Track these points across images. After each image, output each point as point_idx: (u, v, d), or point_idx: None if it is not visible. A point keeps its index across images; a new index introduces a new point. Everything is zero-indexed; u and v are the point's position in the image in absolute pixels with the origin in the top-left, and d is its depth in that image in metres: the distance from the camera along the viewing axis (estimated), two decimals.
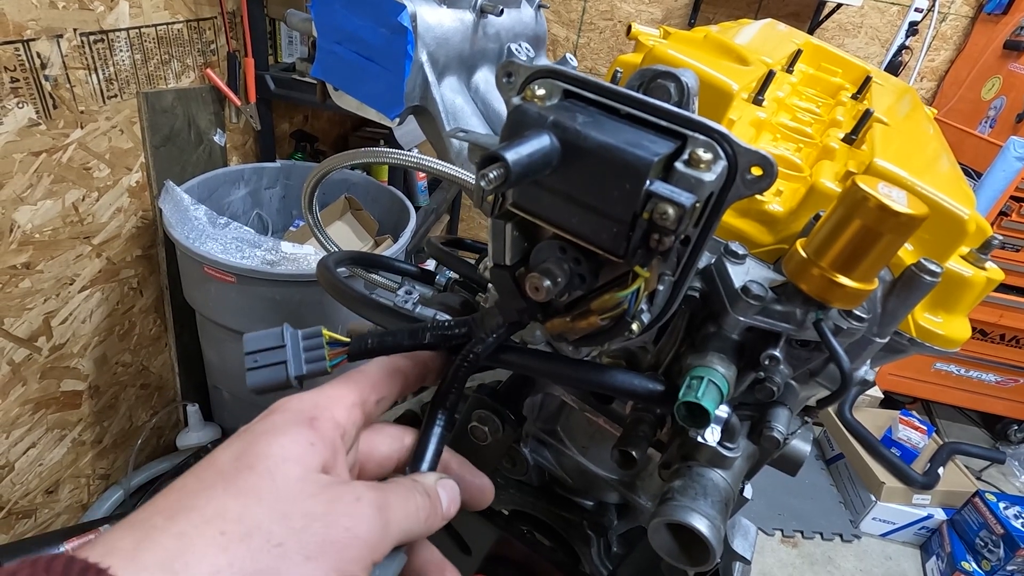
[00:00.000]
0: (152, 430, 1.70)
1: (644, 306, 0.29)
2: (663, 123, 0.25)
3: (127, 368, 1.57)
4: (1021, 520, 1.76)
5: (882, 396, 2.38)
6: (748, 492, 0.46)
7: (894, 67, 2.28)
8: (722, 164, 0.24)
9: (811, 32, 2.18)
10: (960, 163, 2.18)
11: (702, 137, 0.25)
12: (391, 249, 1.55)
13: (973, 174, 2.10)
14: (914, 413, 2.13)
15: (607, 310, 0.28)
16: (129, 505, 1.51)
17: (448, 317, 0.55)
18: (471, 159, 0.30)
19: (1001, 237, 1.99)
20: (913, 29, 2.25)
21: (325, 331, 0.36)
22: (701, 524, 0.32)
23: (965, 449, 2.08)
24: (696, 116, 0.25)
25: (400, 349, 0.35)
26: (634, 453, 0.38)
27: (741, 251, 0.35)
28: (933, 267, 0.31)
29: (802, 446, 0.41)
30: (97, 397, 1.48)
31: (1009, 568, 1.72)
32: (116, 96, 1.33)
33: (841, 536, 2.00)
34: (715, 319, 0.34)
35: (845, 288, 0.28)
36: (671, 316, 0.34)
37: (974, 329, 2.20)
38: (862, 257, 0.27)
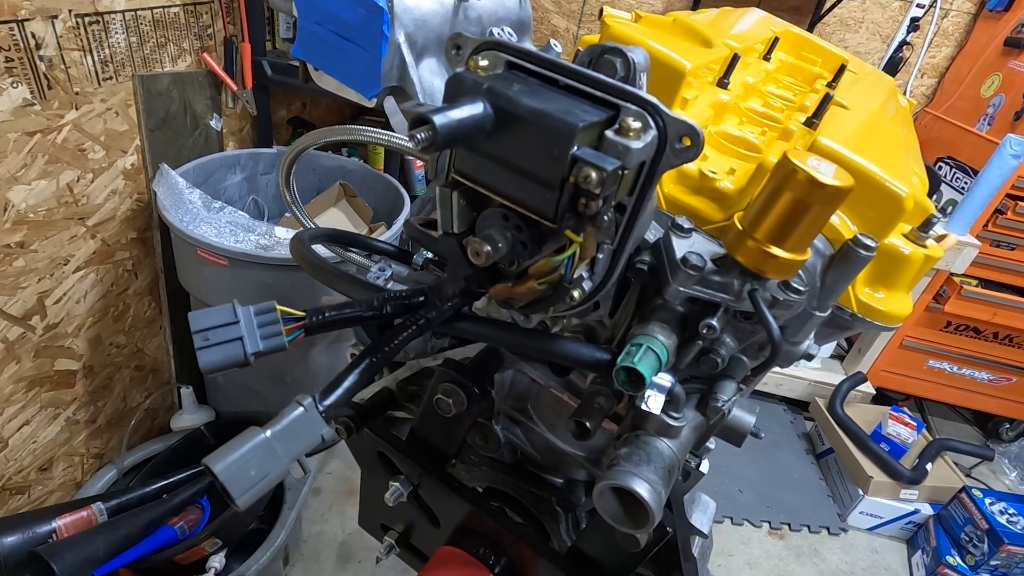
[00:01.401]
0: (146, 411, 1.72)
1: (585, 273, 0.30)
2: (596, 93, 0.26)
3: (121, 349, 1.59)
4: (1006, 516, 1.77)
5: (874, 392, 2.39)
6: (705, 467, 0.47)
7: (895, 63, 2.27)
8: (652, 133, 0.25)
9: (811, 27, 2.18)
10: (958, 160, 2.18)
11: (633, 107, 0.26)
12: (384, 236, 1.56)
13: (970, 171, 2.10)
14: (905, 410, 2.14)
15: (544, 274, 0.29)
16: (122, 484, 1.53)
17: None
18: (409, 130, 0.31)
19: (1000, 234, 1.99)
20: (914, 25, 2.24)
21: (279, 306, 0.37)
22: (641, 487, 0.33)
23: (954, 446, 2.09)
24: (627, 87, 0.26)
25: (359, 321, 0.36)
26: (588, 424, 0.40)
27: (687, 225, 0.36)
28: (869, 242, 0.32)
29: (746, 417, 0.42)
30: (91, 377, 1.50)
31: (993, 563, 1.74)
32: (111, 78, 1.34)
33: (828, 529, 2.02)
34: (661, 292, 0.35)
35: (778, 259, 0.29)
36: (624, 290, 0.35)
37: (967, 327, 2.20)
38: (793, 228, 0.28)
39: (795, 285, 0.32)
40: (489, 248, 0.28)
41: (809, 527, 2.01)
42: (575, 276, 0.29)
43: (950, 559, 1.80)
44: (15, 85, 1.12)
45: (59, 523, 1.27)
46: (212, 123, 1.73)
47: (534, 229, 0.28)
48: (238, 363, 0.34)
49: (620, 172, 0.24)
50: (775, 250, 0.29)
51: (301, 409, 0.32)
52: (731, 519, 1.97)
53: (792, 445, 2.29)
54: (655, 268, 0.36)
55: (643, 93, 0.26)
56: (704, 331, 0.34)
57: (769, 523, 2.00)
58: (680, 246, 0.34)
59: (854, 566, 1.94)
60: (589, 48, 0.31)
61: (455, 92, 0.26)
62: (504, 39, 0.28)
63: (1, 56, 1.08)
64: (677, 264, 0.33)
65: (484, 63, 0.27)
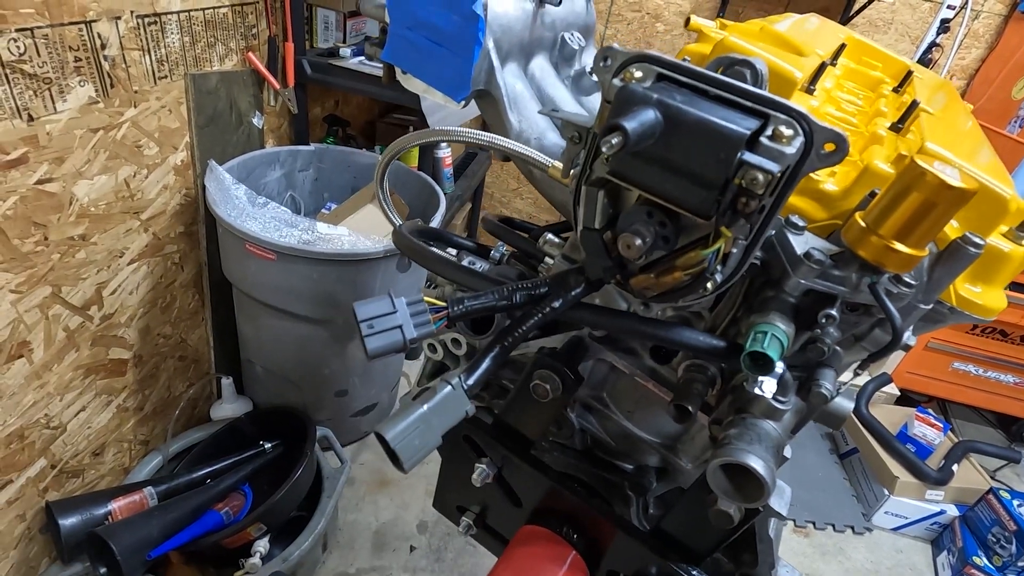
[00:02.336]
0: (188, 400, 1.77)
1: (718, 267, 0.32)
2: (748, 103, 0.29)
3: (167, 340, 1.63)
4: None
5: (898, 394, 2.40)
6: (788, 452, 0.49)
7: (924, 65, 2.27)
8: (800, 140, 0.28)
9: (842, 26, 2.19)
10: None
11: (783, 116, 0.28)
12: None
13: None
14: (930, 411, 2.15)
15: (690, 266, 0.32)
16: (167, 470, 1.58)
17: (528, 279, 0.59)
18: (564, 134, 0.34)
19: None
20: (945, 26, 2.24)
21: (425, 297, 0.40)
22: (757, 464, 0.36)
23: (980, 447, 2.10)
24: (779, 98, 0.29)
25: (494, 310, 0.39)
26: (689, 407, 0.43)
27: (801, 223, 0.38)
28: (977, 240, 0.35)
29: (845, 403, 0.44)
30: (140, 366, 1.55)
31: (1020, 564, 1.75)
32: (166, 77, 1.39)
33: (853, 528, 2.03)
34: (774, 284, 0.38)
35: (900, 254, 0.32)
36: (731, 284, 0.38)
37: (994, 330, 2.20)
38: (916, 226, 0.31)
39: (907, 279, 0.35)
40: (639, 241, 0.31)
41: (834, 526, 2.03)
42: (714, 268, 0.32)
43: (977, 560, 1.81)
44: (82, 84, 1.16)
45: (114, 506, 1.32)
46: (255, 121, 1.77)
47: (676, 224, 0.31)
48: (398, 349, 0.37)
49: (780, 175, 0.27)
50: (899, 246, 0.32)
51: (449, 387, 0.35)
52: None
53: (815, 445, 2.31)
54: (766, 262, 0.39)
55: (793, 104, 0.29)
56: (824, 320, 0.37)
57: (794, 521, 2.02)
58: (797, 242, 0.37)
59: (879, 565, 1.95)
60: (717, 60, 0.34)
61: (626, 102, 0.29)
62: (654, 53, 0.31)
63: (71, 55, 1.13)
64: (799, 259, 0.36)
65: (638, 74, 0.30)
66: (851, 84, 0.70)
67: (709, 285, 0.33)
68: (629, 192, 0.32)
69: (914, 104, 0.46)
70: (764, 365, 0.34)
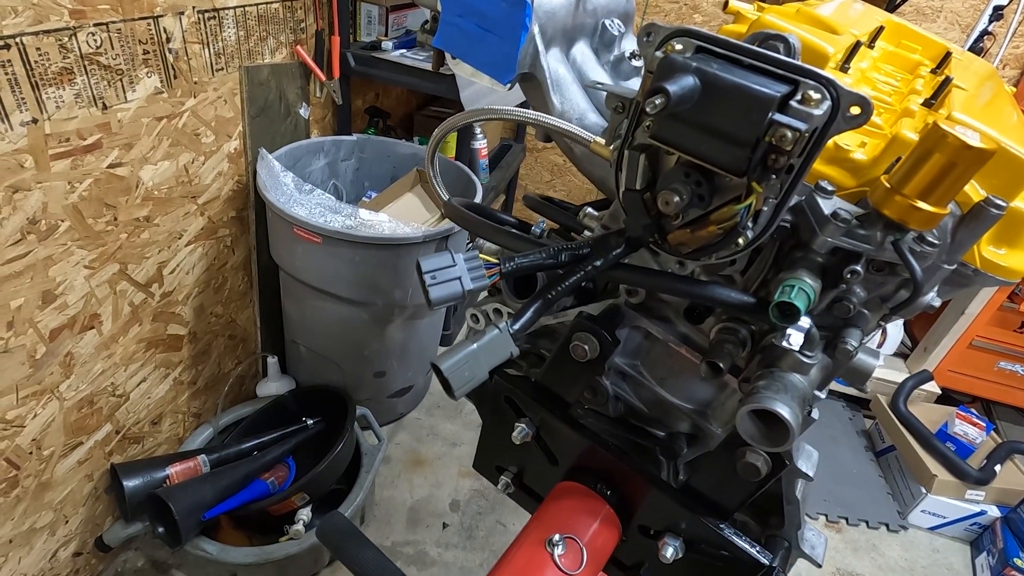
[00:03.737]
0: (236, 377, 1.86)
1: (749, 224, 0.35)
2: (780, 71, 0.32)
3: (219, 319, 1.73)
4: None
5: (939, 392, 2.34)
6: (815, 414, 0.52)
7: (975, 53, 2.21)
8: (827, 104, 0.31)
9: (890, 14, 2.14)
10: None
11: (812, 82, 0.31)
12: None
13: None
14: (973, 411, 2.10)
15: (724, 221, 0.35)
16: (217, 442, 1.68)
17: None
18: (608, 104, 0.37)
19: None
20: (998, 14, 2.17)
21: (480, 254, 0.44)
22: (783, 409, 0.39)
23: None
24: (807, 65, 0.32)
25: (542, 268, 0.43)
26: (721, 364, 0.46)
27: (830, 188, 0.41)
28: (1000, 202, 0.37)
29: (870, 360, 0.47)
30: (194, 343, 1.65)
31: None
32: (223, 69, 1.47)
33: (887, 526, 2.01)
34: (803, 247, 0.41)
35: (923, 211, 0.34)
36: (759, 250, 0.41)
37: None
38: (938, 185, 0.33)
39: (930, 239, 0.37)
40: (677, 198, 0.34)
41: (867, 522, 2.00)
42: (746, 224, 0.35)
43: (1018, 561, 1.76)
44: (149, 75, 1.25)
45: (171, 470, 1.42)
46: (301, 111, 1.85)
47: (710, 183, 0.35)
48: (458, 298, 0.42)
49: (805, 133, 0.30)
50: (921, 204, 0.34)
51: (497, 331, 0.40)
52: None
53: (851, 441, 2.28)
54: (796, 225, 0.41)
55: (821, 71, 0.32)
56: (848, 275, 0.40)
57: (826, 516, 2.00)
58: (826, 204, 0.40)
59: (914, 564, 1.92)
60: (753, 35, 0.37)
61: (667, 70, 0.32)
62: (693, 27, 0.34)
63: (140, 48, 1.21)
64: (827, 218, 0.38)
65: (679, 47, 0.34)
66: (890, 67, 0.71)
67: (740, 241, 0.36)
68: (668, 156, 0.35)
69: (947, 80, 0.48)
70: (791, 315, 0.37)
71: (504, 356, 0.39)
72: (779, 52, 0.36)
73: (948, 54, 0.64)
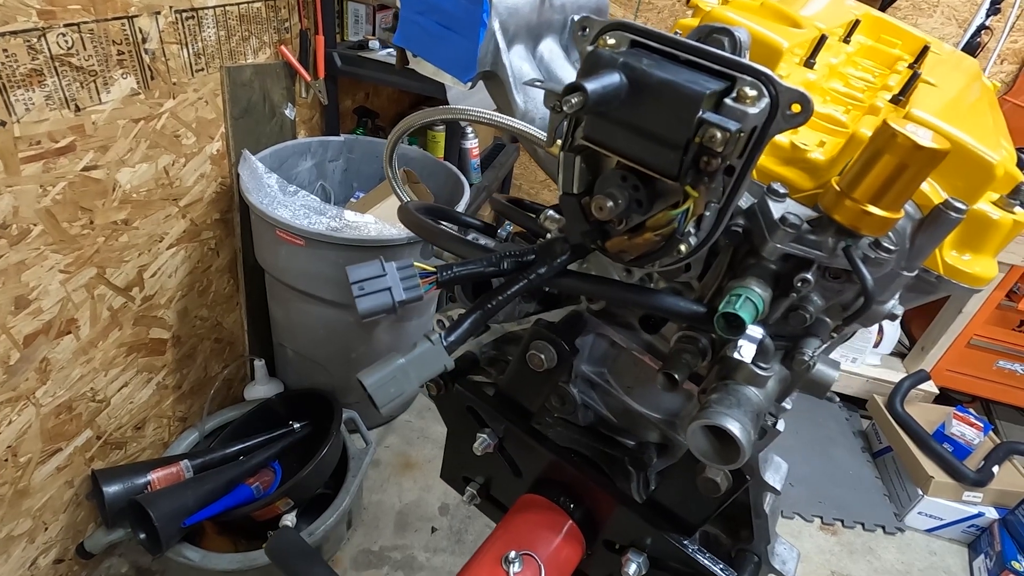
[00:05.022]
0: (223, 381, 1.85)
1: (692, 229, 0.33)
2: (715, 66, 0.30)
3: (204, 322, 1.71)
4: None
5: (937, 392, 2.31)
6: (781, 425, 0.50)
7: (972, 48, 2.17)
8: (765, 101, 0.29)
9: (883, 10, 2.11)
10: None
11: (749, 78, 0.29)
12: None
13: None
14: (971, 411, 2.07)
15: (660, 227, 0.33)
16: (203, 446, 1.66)
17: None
18: (546, 103, 0.35)
19: None
20: (995, 8, 2.14)
21: (415, 262, 0.42)
22: (733, 426, 0.37)
23: None
24: (743, 60, 0.29)
25: (482, 276, 0.41)
26: (676, 376, 0.43)
27: (782, 190, 0.39)
28: (959, 204, 0.35)
29: (829, 371, 0.44)
30: (179, 347, 1.63)
31: None
32: (203, 70, 1.45)
33: (884, 528, 1.98)
34: (755, 252, 0.39)
35: (874, 216, 0.32)
36: (715, 254, 0.39)
37: None
38: (889, 188, 0.31)
39: (885, 244, 0.35)
40: (611, 203, 0.32)
41: (863, 525, 1.97)
42: (685, 230, 0.33)
43: (1016, 564, 1.74)
44: (125, 76, 1.23)
45: (153, 476, 1.40)
46: (287, 112, 1.83)
47: (649, 188, 0.33)
48: (387, 309, 0.40)
49: (738, 133, 0.28)
50: (872, 209, 0.32)
51: (429, 343, 0.38)
52: (782, 512, 1.96)
53: (847, 442, 2.25)
54: (748, 230, 0.39)
55: (758, 65, 0.29)
56: (799, 284, 0.37)
57: (821, 518, 1.98)
58: (777, 208, 0.37)
59: (910, 567, 1.89)
60: (698, 28, 0.35)
61: (593, 66, 0.30)
62: (628, 20, 0.32)
63: (114, 49, 1.19)
64: (776, 223, 0.36)
65: (612, 41, 0.32)
66: (868, 62, 0.69)
67: (683, 247, 0.33)
68: (607, 158, 0.33)
69: (915, 76, 0.46)
70: (737, 327, 0.35)
71: (437, 370, 0.37)
72: (723, 47, 0.33)
73: (925, 48, 0.61)
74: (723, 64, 0.30)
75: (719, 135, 0.27)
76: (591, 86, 0.28)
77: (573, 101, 0.28)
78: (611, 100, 0.29)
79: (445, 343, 0.38)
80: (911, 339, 2.37)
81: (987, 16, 2.13)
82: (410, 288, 0.40)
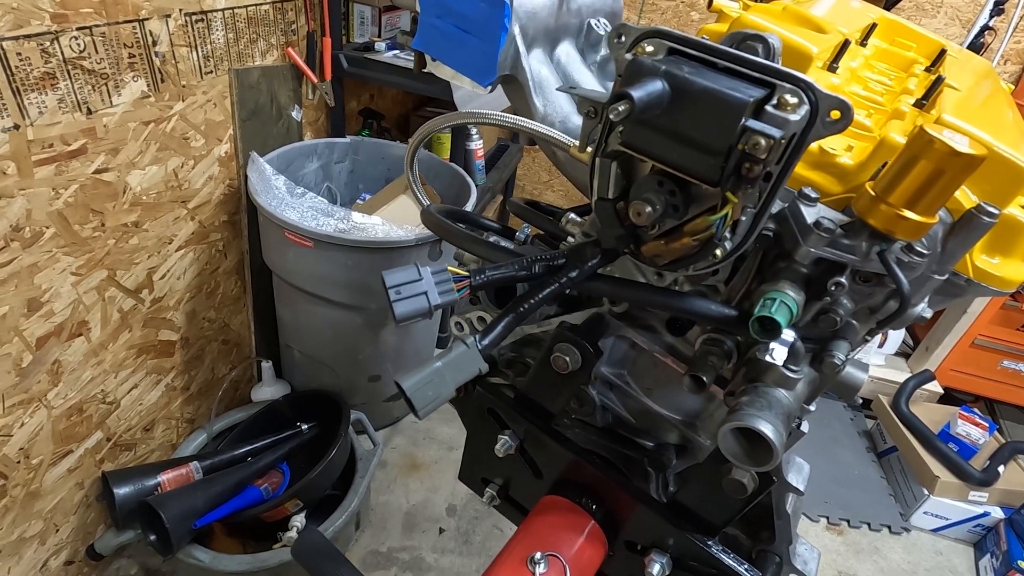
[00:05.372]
0: (231, 382, 1.85)
1: (727, 234, 0.34)
2: (755, 74, 0.30)
3: (212, 324, 1.71)
4: None
5: (941, 392, 2.31)
6: (804, 427, 0.50)
7: (975, 49, 2.18)
8: (805, 108, 0.29)
9: (886, 11, 2.12)
10: None
11: (788, 85, 0.29)
12: None
13: None
14: (976, 411, 2.07)
15: (698, 232, 0.33)
16: (211, 448, 1.66)
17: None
18: (580, 110, 0.35)
19: None
20: (999, 8, 2.14)
21: (449, 267, 0.42)
22: (766, 428, 0.37)
23: None
24: (784, 67, 0.30)
25: (514, 280, 0.41)
26: (704, 378, 0.44)
27: (814, 195, 0.39)
28: (992, 209, 0.35)
29: (858, 374, 0.45)
30: (187, 348, 1.63)
31: None
32: (212, 72, 1.45)
33: (889, 528, 1.98)
34: (786, 256, 0.39)
35: (909, 221, 0.32)
36: (743, 258, 0.39)
37: None
38: (925, 193, 0.31)
39: (918, 248, 0.35)
40: (649, 208, 0.32)
41: (869, 525, 1.98)
42: (723, 235, 0.33)
43: (1022, 564, 1.74)
44: (135, 79, 1.23)
45: (163, 478, 1.40)
46: (294, 114, 1.84)
47: (685, 193, 0.33)
48: (424, 313, 0.40)
49: (780, 140, 0.28)
50: (908, 213, 0.32)
51: (464, 347, 0.38)
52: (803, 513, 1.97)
53: (852, 443, 2.26)
54: (779, 234, 0.40)
55: (798, 73, 0.30)
56: (832, 288, 0.38)
57: (827, 518, 1.98)
58: (809, 213, 0.38)
59: (917, 566, 1.90)
60: (731, 35, 0.35)
61: (635, 74, 0.31)
62: (665, 28, 0.32)
63: (125, 52, 1.19)
64: (809, 227, 0.36)
65: (650, 48, 0.32)
66: (883, 65, 0.69)
67: (718, 252, 0.34)
68: (642, 164, 0.33)
69: (939, 80, 0.46)
70: (772, 330, 0.35)
71: (472, 373, 0.38)
72: (757, 53, 0.34)
73: (943, 51, 0.61)
74: (762, 71, 0.30)
75: (763, 142, 0.28)
76: (637, 94, 0.28)
77: (620, 109, 0.28)
78: (655, 107, 0.29)
79: (480, 346, 0.38)
80: (915, 339, 2.38)
81: (991, 17, 2.14)
82: (445, 292, 0.40)
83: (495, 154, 2.46)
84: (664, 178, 0.33)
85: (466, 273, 0.41)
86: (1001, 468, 1.89)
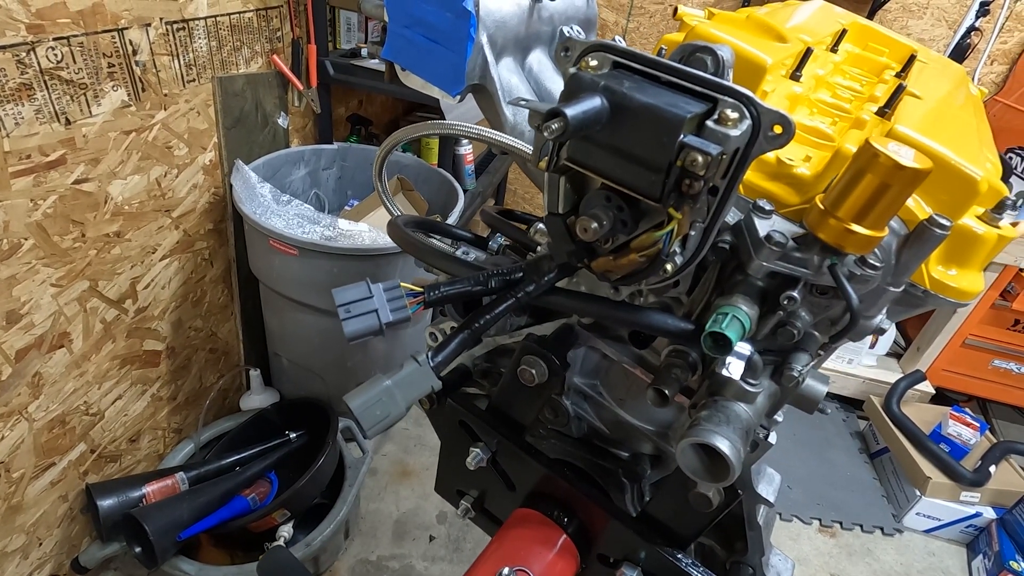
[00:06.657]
0: (219, 391, 1.84)
1: (677, 248, 0.33)
2: (696, 88, 0.30)
3: (199, 333, 1.70)
4: None
5: (933, 392, 2.31)
6: (772, 438, 0.50)
7: (961, 50, 2.19)
8: (747, 123, 0.29)
9: (872, 14, 2.12)
10: None
11: (730, 100, 0.29)
12: None
13: None
14: (967, 410, 2.07)
15: (644, 248, 0.33)
16: (198, 457, 1.65)
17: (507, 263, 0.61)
18: (530, 123, 0.35)
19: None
20: (984, 9, 2.15)
21: (401, 283, 0.42)
22: (722, 444, 0.37)
23: (1021, 448, 2.01)
24: (724, 81, 0.29)
25: (470, 295, 0.41)
26: (666, 391, 0.43)
27: (768, 207, 0.39)
28: (943, 221, 0.35)
29: (818, 386, 0.44)
30: (173, 358, 1.62)
31: None
32: (195, 80, 1.45)
33: (882, 529, 1.98)
34: (742, 269, 0.39)
35: (858, 235, 0.32)
36: (704, 269, 0.39)
37: None
38: (873, 207, 0.31)
39: (871, 261, 0.35)
40: (596, 224, 0.32)
41: (862, 526, 1.97)
42: (670, 251, 0.32)
43: (1014, 564, 1.74)
44: (115, 88, 1.23)
45: (148, 489, 1.39)
46: (280, 121, 1.83)
47: (634, 208, 0.32)
48: (374, 332, 0.39)
49: (720, 156, 0.28)
50: (856, 227, 0.32)
51: (416, 364, 0.37)
52: (780, 515, 1.96)
53: (844, 444, 2.25)
54: (735, 247, 0.39)
55: (739, 87, 0.29)
56: (785, 302, 0.37)
57: (819, 520, 1.97)
58: (762, 225, 0.37)
59: (909, 568, 1.89)
60: (681, 47, 0.35)
61: (575, 89, 0.30)
62: (609, 41, 0.32)
63: (104, 62, 1.19)
64: (761, 241, 0.36)
65: (594, 63, 0.32)
66: (855, 70, 0.69)
67: (668, 267, 0.33)
68: (592, 179, 0.33)
69: (899, 88, 0.46)
70: (724, 346, 0.35)
71: (424, 391, 0.37)
72: (706, 66, 0.33)
73: (912, 57, 0.61)
74: (705, 86, 0.30)
75: (700, 159, 0.27)
76: (571, 112, 0.28)
77: (554, 127, 0.27)
78: (593, 124, 0.29)
79: (432, 364, 0.38)
80: (907, 339, 2.38)
81: (976, 18, 2.15)
82: (397, 309, 0.40)
83: (485, 159, 2.45)
84: (612, 194, 0.33)
85: (420, 289, 0.41)
86: (992, 468, 1.89)
